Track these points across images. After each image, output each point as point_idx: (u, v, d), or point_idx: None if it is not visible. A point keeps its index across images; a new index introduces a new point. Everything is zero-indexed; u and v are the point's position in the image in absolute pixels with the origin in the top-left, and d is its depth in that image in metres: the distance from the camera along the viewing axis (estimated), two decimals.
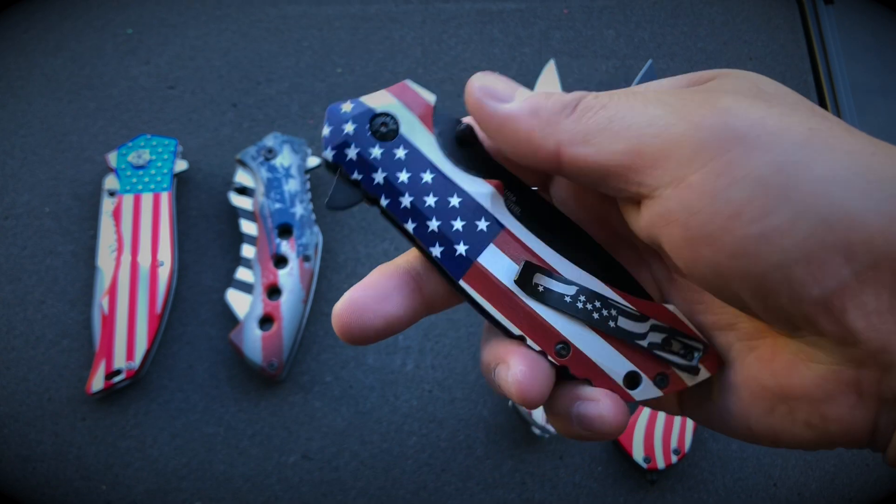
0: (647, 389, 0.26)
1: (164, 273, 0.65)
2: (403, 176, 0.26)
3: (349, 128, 0.26)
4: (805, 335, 0.23)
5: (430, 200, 0.26)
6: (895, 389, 0.22)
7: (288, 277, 0.64)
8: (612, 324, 0.26)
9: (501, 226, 0.26)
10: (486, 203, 0.26)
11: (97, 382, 0.61)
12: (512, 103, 0.25)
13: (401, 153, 0.26)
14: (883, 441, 0.23)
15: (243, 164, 0.67)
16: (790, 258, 0.21)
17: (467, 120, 0.27)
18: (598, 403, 0.26)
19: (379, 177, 0.26)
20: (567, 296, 0.26)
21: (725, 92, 0.23)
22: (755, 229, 0.21)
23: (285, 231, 0.66)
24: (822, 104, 0.80)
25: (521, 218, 0.27)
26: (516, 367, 0.25)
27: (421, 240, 0.26)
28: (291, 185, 0.66)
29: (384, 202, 0.26)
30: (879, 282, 0.20)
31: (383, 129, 0.26)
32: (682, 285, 0.28)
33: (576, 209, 0.28)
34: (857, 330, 0.21)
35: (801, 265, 0.21)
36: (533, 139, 0.25)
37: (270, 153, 0.67)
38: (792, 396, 0.24)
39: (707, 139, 0.22)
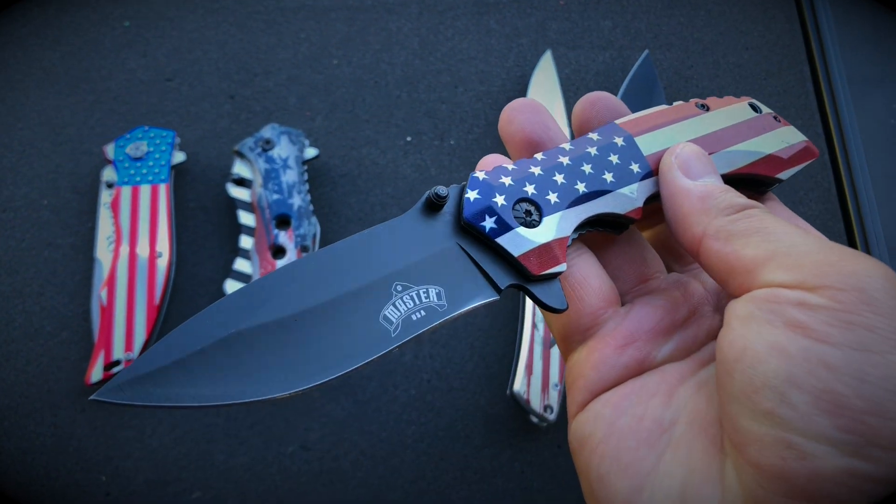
0: None
1: (162, 264, 0.65)
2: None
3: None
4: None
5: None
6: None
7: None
8: None
9: None
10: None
11: (96, 373, 0.61)
12: (693, 182, 0.28)
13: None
14: None
15: (241, 155, 0.67)
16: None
17: None
18: None
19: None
20: None
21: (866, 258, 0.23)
22: (818, 383, 0.21)
23: (283, 222, 0.66)
24: (818, 94, 0.80)
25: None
26: None
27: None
28: (289, 176, 0.67)
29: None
30: None
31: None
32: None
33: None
34: None
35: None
36: (688, 218, 0.27)
37: (268, 144, 0.67)
38: None
39: (835, 282, 0.22)
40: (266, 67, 0.77)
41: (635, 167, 0.29)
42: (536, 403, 0.62)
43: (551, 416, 0.62)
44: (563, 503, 0.63)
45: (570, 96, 0.78)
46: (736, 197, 0.27)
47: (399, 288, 0.26)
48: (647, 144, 0.29)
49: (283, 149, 0.67)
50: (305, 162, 0.68)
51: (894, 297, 0.22)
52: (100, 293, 0.63)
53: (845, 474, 0.20)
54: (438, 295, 0.27)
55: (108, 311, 0.63)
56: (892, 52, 0.84)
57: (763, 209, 0.26)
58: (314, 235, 0.66)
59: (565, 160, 0.29)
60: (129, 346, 0.62)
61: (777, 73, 0.80)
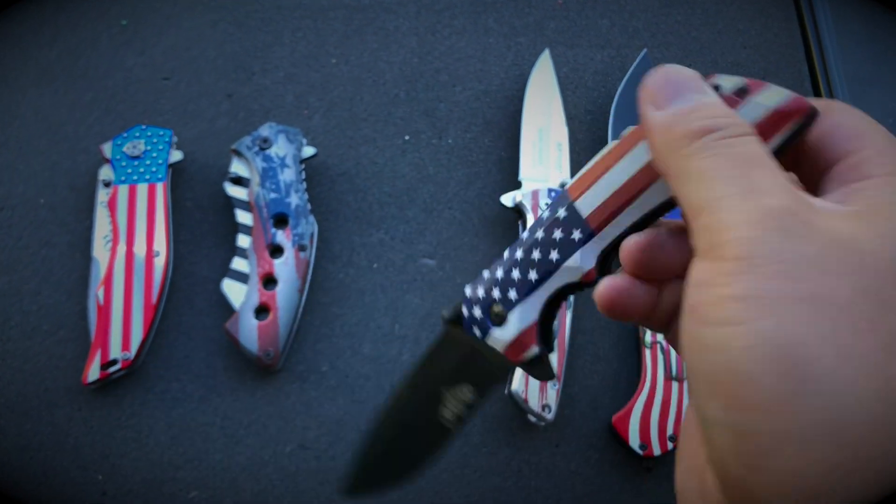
0: None
1: (159, 263, 0.65)
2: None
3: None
4: None
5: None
6: None
7: (283, 267, 0.64)
8: None
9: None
10: None
11: (93, 373, 0.61)
12: (660, 112, 0.25)
13: None
14: None
15: (238, 153, 0.67)
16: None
17: None
18: None
19: None
20: None
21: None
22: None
23: (281, 221, 0.66)
24: (817, 93, 0.80)
25: None
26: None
27: None
28: (287, 175, 0.66)
29: None
30: None
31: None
32: None
33: None
34: None
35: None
36: (658, 153, 0.26)
37: (266, 143, 0.67)
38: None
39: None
40: (264, 66, 0.77)
41: (576, 234, 0.30)
42: (534, 403, 0.61)
43: (549, 416, 0.62)
44: (560, 502, 0.63)
45: (569, 95, 0.78)
46: (694, 120, 0.24)
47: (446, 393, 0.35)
48: (587, 204, 0.29)
49: (280, 147, 0.67)
50: (303, 161, 0.68)
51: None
52: (97, 292, 0.63)
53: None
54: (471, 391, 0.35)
55: (105, 310, 0.63)
56: (891, 50, 0.84)
57: (724, 131, 0.24)
58: (312, 235, 0.66)
59: (519, 253, 0.31)
60: (125, 345, 0.62)
61: (775, 73, 0.80)
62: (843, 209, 0.23)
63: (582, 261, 0.30)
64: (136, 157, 0.67)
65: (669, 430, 0.62)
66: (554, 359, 0.64)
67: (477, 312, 0.33)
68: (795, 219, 0.22)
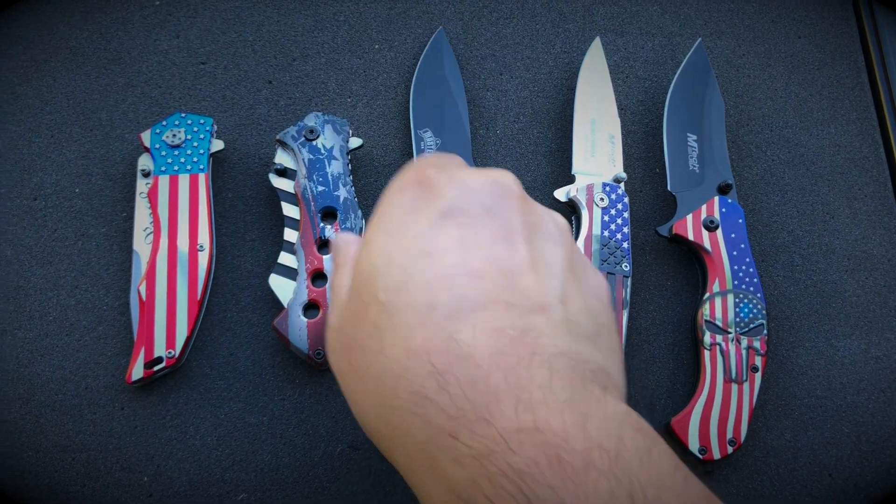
0: None
1: (203, 257, 0.62)
2: None
3: None
4: None
5: None
6: None
7: (333, 263, 0.61)
8: None
9: None
10: None
11: (137, 371, 0.59)
12: None
13: None
14: None
15: (284, 144, 0.65)
16: None
17: None
18: None
19: None
20: None
21: None
22: None
23: (329, 215, 0.63)
24: (873, 83, 0.78)
25: None
26: None
27: None
28: (334, 168, 0.64)
29: None
30: None
31: None
32: None
33: None
34: None
35: None
36: None
37: (312, 133, 0.64)
38: None
39: None
40: (304, 51, 0.74)
41: None
42: None
43: None
44: None
45: (619, 84, 0.75)
46: None
47: None
48: None
49: (327, 138, 0.65)
50: (349, 152, 0.66)
51: None
52: (139, 287, 0.61)
53: None
54: None
55: (148, 307, 0.60)
56: None
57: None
58: (361, 229, 0.63)
59: None
60: (170, 342, 0.60)
61: (830, 63, 0.78)
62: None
63: None
64: (177, 147, 0.65)
65: (729, 434, 0.61)
66: None
67: None
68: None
